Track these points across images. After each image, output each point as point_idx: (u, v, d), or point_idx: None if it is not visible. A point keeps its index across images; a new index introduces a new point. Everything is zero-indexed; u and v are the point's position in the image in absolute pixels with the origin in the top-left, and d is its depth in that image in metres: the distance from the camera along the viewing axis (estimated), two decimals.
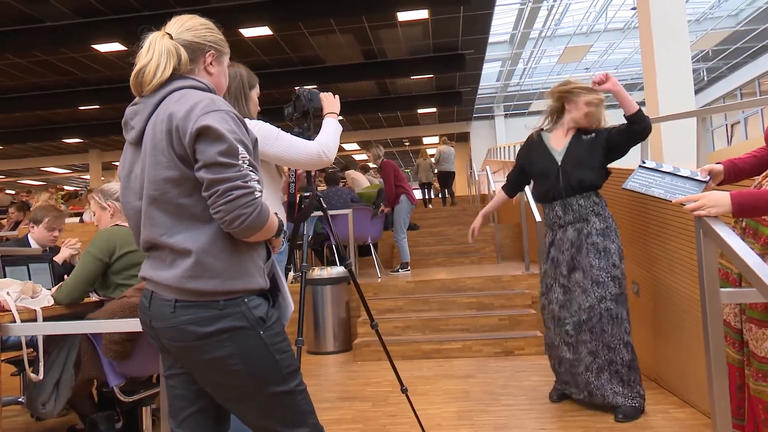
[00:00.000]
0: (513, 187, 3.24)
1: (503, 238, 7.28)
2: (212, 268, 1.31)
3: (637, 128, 2.74)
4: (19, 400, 3.17)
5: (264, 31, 9.66)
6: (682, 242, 2.83)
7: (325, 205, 2.54)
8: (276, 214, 1.43)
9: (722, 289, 1.51)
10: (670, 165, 1.95)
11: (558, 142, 2.93)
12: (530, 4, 11.30)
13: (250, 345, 1.34)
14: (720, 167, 1.88)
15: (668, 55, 6.42)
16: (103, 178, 19.28)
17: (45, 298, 2.33)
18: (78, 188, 23.07)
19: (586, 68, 15.62)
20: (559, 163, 2.88)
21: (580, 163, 2.83)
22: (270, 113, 2.20)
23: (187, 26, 1.43)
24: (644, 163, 1.99)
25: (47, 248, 3.55)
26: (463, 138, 20.92)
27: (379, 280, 5.60)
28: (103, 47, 9.78)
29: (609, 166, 2.92)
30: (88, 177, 21.42)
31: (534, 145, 3.02)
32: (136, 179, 1.38)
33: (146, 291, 1.40)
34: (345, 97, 14.36)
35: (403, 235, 6.26)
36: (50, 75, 11.55)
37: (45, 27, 9.01)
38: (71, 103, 13.02)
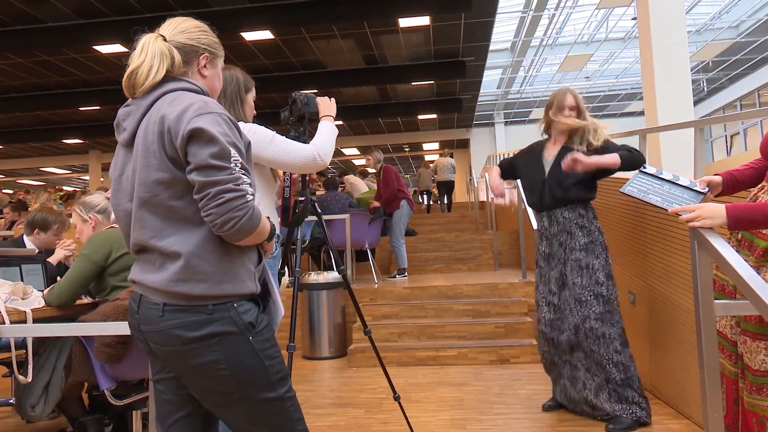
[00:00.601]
0: (503, 168, 3.13)
1: (501, 245, 7.28)
2: (201, 271, 1.29)
3: (631, 168, 2.65)
4: (10, 401, 3.14)
5: (266, 35, 9.67)
6: (680, 253, 2.82)
7: (320, 210, 2.53)
8: (268, 218, 1.42)
9: (717, 301, 1.50)
10: (670, 173, 1.94)
11: (549, 153, 2.91)
12: (531, 12, 11.34)
13: (239, 351, 1.32)
14: (718, 179, 1.87)
15: (668, 65, 6.43)
16: (102, 180, 19.28)
17: (36, 299, 2.31)
18: (77, 189, 23.05)
19: (587, 77, 15.67)
20: (546, 175, 2.86)
21: (566, 177, 2.76)
22: (270, 117, 2.19)
23: (181, 28, 1.42)
24: (644, 168, 1.98)
25: (42, 250, 3.53)
26: (463, 145, 20.94)
27: (376, 285, 5.58)
28: (104, 48, 9.79)
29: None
30: (87, 178, 21.41)
31: (532, 152, 3.01)
32: (128, 181, 1.37)
33: (135, 294, 1.39)
34: (345, 102, 14.52)
35: (402, 241, 6.25)
36: (51, 75, 11.56)
37: (46, 27, 9.03)
38: (72, 103, 13.01)
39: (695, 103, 9.85)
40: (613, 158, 2.65)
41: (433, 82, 13.31)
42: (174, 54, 1.38)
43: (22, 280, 2.57)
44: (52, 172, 23.13)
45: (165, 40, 1.39)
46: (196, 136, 1.26)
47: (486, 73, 13.28)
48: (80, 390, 2.54)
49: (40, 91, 12.62)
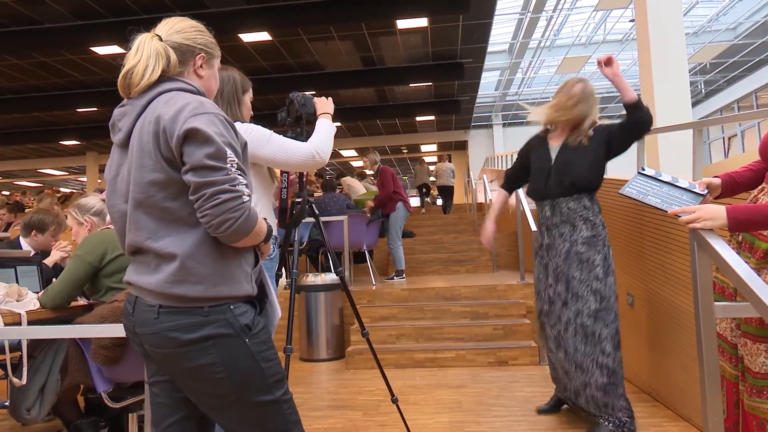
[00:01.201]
0: (512, 182, 3.08)
1: (499, 247, 7.27)
2: (197, 273, 1.28)
3: (637, 117, 2.58)
4: (5, 404, 3.13)
5: (263, 36, 9.67)
6: (679, 254, 2.81)
7: (318, 212, 2.51)
8: (265, 219, 1.41)
9: (717, 303, 1.49)
10: (669, 175, 1.93)
11: (556, 141, 2.84)
12: (529, 14, 11.35)
13: (235, 353, 1.31)
14: (718, 181, 1.87)
15: (666, 67, 6.43)
16: (99, 181, 19.24)
17: (31, 301, 2.29)
18: (74, 190, 23.00)
19: None
20: (552, 162, 2.78)
21: (572, 163, 2.70)
22: (268, 119, 2.18)
23: (177, 28, 1.41)
24: (643, 170, 1.97)
25: (38, 252, 3.50)
26: (461, 146, 20.96)
27: (374, 287, 5.57)
28: (102, 50, 9.78)
29: (606, 176, 2.85)
30: (84, 179, 21.37)
31: (535, 143, 2.94)
32: (123, 182, 1.36)
33: (130, 296, 1.38)
34: (343, 103, 14.52)
35: (399, 242, 6.24)
36: (48, 77, 11.54)
37: (44, 29, 9.01)
38: (69, 105, 13.00)
39: (693, 105, 9.86)
40: (632, 91, 2.57)
41: (431, 83, 13.33)
42: (170, 54, 1.37)
43: (17, 282, 2.56)
44: (49, 174, 23.08)
45: (161, 39, 1.38)
46: (192, 136, 1.24)
47: (484, 74, 13.31)
48: (76, 393, 2.52)
49: (37, 93, 12.60)
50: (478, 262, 7.18)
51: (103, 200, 2.68)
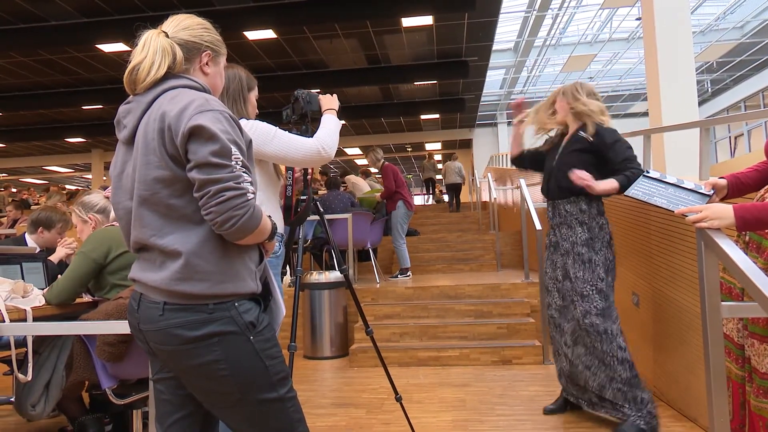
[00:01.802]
0: (528, 153, 3.09)
1: (503, 246, 7.25)
2: (202, 270, 1.28)
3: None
4: (11, 399, 3.14)
5: (268, 34, 9.67)
6: (684, 254, 2.80)
7: (322, 209, 2.51)
8: (270, 216, 1.40)
9: (723, 303, 1.48)
10: (674, 177, 1.92)
11: (564, 140, 2.88)
12: (535, 12, 11.32)
13: (239, 350, 1.31)
14: (723, 182, 1.85)
15: (672, 65, 6.41)
16: (105, 178, 19.32)
17: (36, 297, 2.30)
18: (80, 188, 23.09)
19: (590, 77, 15.63)
20: (554, 163, 2.84)
21: (567, 167, 2.70)
22: (273, 116, 2.18)
23: (183, 25, 1.41)
24: (648, 173, 1.96)
25: (44, 249, 3.52)
26: (466, 145, 20.92)
27: (378, 285, 5.57)
28: (107, 47, 9.80)
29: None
30: (90, 176, 21.46)
31: (554, 141, 2.98)
32: (128, 179, 1.36)
33: (135, 293, 1.38)
34: (348, 101, 14.52)
35: (402, 240, 6.23)
36: (54, 74, 11.58)
37: (49, 26, 9.04)
38: (75, 102, 13.04)
39: (699, 104, 9.81)
40: (610, 184, 2.58)
41: (435, 82, 13.31)
42: (176, 51, 1.37)
43: (22, 278, 2.57)
44: (55, 171, 23.18)
45: (167, 36, 1.38)
46: (197, 133, 1.24)
47: (489, 73, 13.27)
48: (81, 389, 2.53)
49: (43, 90, 12.65)
50: (482, 261, 7.17)
51: (107, 197, 2.69)
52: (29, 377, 2.18)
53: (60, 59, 10.68)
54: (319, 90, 2.49)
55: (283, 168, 2.26)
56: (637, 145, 2.91)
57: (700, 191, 1.81)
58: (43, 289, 2.48)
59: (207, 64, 1.44)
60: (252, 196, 1.28)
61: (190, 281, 1.27)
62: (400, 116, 16.74)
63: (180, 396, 1.39)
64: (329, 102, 2.25)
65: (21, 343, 2.44)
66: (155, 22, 1.43)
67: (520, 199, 5.27)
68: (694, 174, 4.14)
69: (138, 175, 1.30)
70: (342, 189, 7.61)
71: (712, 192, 1.82)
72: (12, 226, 6.97)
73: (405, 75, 12.23)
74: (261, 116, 2.18)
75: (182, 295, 1.28)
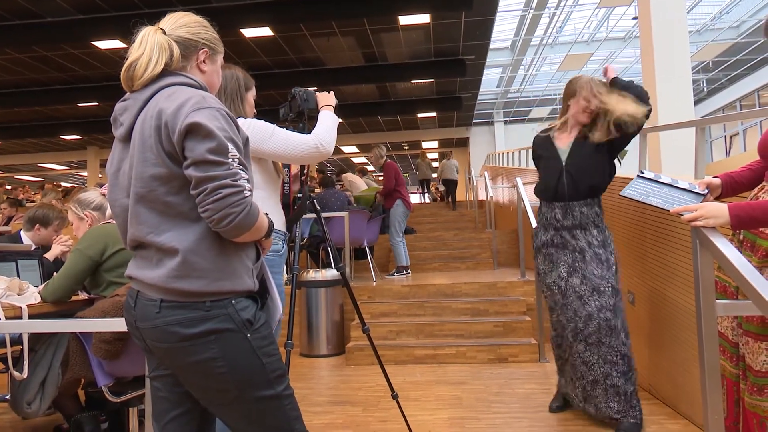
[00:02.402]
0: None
1: (500, 244, 7.27)
2: (199, 267, 1.28)
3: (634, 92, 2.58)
4: (6, 397, 3.13)
5: (265, 31, 9.65)
6: (680, 253, 2.81)
7: (318, 207, 2.51)
8: (267, 214, 1.41)
9: (718, 301, 1.49)
10: (668, 176, 1.93)
11: (563, 141, 2.82)
12: (532, 11, 11.32)
13: (236, 348, 1.31)
14: (718, 181, 1.87)
15: (668, 65, 6.42)
16: (100, 176, 19.25)
17: (32, 295, 2.29)
18: (75, 185, 23.01)
19: None
20: (564, 164, 2.77)
21: (587, 168, 2.71)
22: (270, 114, 2.17)
23: (181, 23, 1.41)
24: (642, 173, 1.97)
25: (39, 246, 3.51)
26: (463, 143, 20.93)
27: (375, 283, 5.57)
28: (103, 44, 9.77)
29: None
30: (85, 174, 21.38)
31: (541, 142, 2.92)
32: (124, 176, 1.35)
33: (132, 290, 1.38)
34: (345, 99, 14.51)
35: (399, 238, 6.24)
36: (50, 71, 11.53)
37: (45, 23, 9.00)
38: (70, 99, 12.99)
39: (695, 103, 9.84)
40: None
41: (432, 80, 13.31)
42: (173, 48, 1.36)
43: (18, 276, 2.56)
44: (50, 168, 23.08)
45: (165, 33, 1.37)
46: (194, 131, 1.24)
47: (486, 71, 13.28)
48: (77, 387, 2.53)
49: (39, 87, 12.59)
50: (478, 259, 7.18)
51: (104, 195, 2.68)
52: (25, 375, 2.18)
53: (56, 56, 10.63)
54: (316, 88, 2.49)
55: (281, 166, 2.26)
56: (633, 143, 2.91)
57: (694, 190, 1.82)
58: (38, 287, 2.47)
59: (204, 61, 1.43)
60: (249, 193, 1.28)
61: (187, 279, 1.27)
62: (397, 114, 16.73)
63: (177, 393, 1.39)
64: (326, 99, 2.25)
65: (16, 340, 2.44)
66: (152, 19, 1.43)
67: (516, 197, 5.28)
68: (690, 173, 4.15)
69: (135, 173, 1.30)
70: (339, 187, 7.61)
71: (706, 191, 1.83)
72: (7, 224, 6.94)
73: (402, 73, 12.22)
74: (258, 114, 2.18)
75: (179, 292, 1.28)
